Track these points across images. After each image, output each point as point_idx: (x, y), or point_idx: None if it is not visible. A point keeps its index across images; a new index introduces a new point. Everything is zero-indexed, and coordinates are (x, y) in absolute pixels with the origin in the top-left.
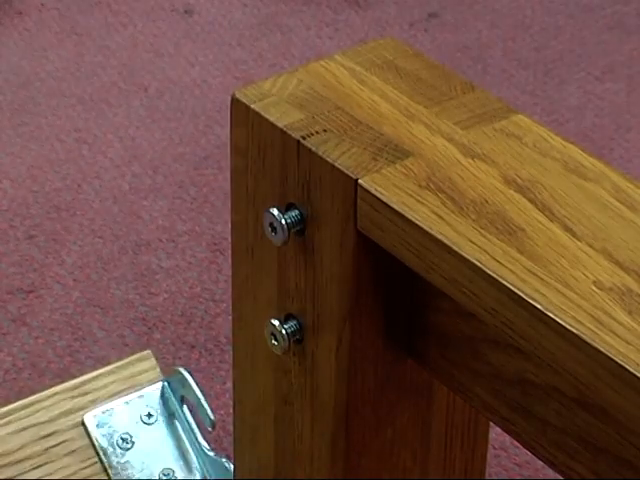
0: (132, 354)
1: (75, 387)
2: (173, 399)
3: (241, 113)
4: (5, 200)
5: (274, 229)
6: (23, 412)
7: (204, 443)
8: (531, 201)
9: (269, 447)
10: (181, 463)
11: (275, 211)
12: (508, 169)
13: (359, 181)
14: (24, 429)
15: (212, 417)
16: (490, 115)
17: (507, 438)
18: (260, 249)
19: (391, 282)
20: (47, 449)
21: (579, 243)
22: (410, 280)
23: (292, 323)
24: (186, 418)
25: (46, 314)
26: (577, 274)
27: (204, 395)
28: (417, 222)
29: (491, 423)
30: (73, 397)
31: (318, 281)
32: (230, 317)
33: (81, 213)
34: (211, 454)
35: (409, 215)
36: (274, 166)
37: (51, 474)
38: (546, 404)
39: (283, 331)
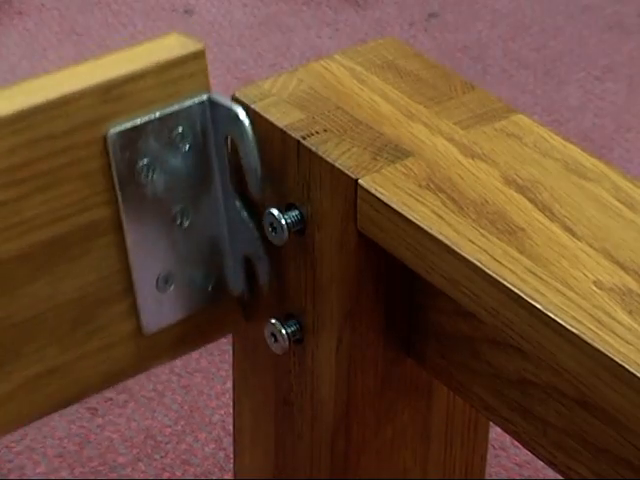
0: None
1: (107, 89)
2: (217, 126)
3: None
4: None
5: (274, 229)
6: (38, 118)
7: (237, 202)
8: (531, 201)
9: (269, 447)
10: (200, 204)
11: (275, 211)
12: (508, 169)
13: (359, 181)
14: (36, 141)
15: (259, 184)
16: (490, 115)
17: (507, 438)
18: None
19: (391, 282)
20: (57, 168)
21: (579, 243)
22: (410, 280)
23: (292, 323)
24: (223, 160)
25: None
26: (577, 274)
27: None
28: (417, 222)
29: (491, 423)
30: (103, 102)
31: (318, 281)
32: None
33: None
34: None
35: (409, 215)
36: (274, 166)
37: (55, 199)
38: (546, 404)
39: (283, 331)
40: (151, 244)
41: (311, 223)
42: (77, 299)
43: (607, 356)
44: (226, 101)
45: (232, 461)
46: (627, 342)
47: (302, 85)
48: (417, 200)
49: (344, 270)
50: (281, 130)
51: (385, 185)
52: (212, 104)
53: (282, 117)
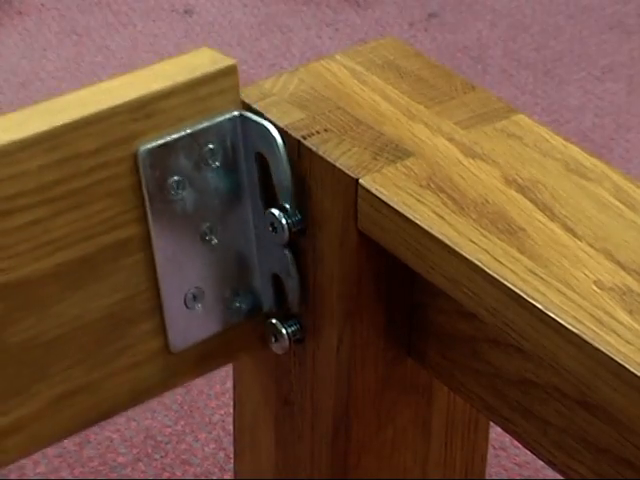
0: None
1: (137, 107)
2: (248, 142)
3: None
4: None
5: (275, 229)
6: (69, 136)
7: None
8: (532, 201)
9: (269, 447)
10: (229, 221)
11: (276, 211)
12: (509, 169)
13: (360, 181)
14: (67, 159)
15: (292, 200)
16: (491, 115)
17: (507, 438)
18: None
19: (391, 282)
20: (88, 186)
21: (580, 243)
22: (410, 280)
23: (292, 323)
24: (253, 177)
25: None
26: (578, 274)
27: (289, 168)
28: (418, 222)
29: (491, 423)
30: (134, 120)
31: (319, 281)
32: None
33: None
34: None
35: (410, 215)
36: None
37: (85, 218)
38: (547, 404)
39: (283, 331)
40: (180, 261)
41: (312, 223)
42: (105, 318)
43: (607, 356)
44: (257, 117)
45: (232, 461)
46: (627, 342)
47: (303, 85)
48: (418, 200)
49: (345, 270)
50: (282, 130)
51: (386, 185)
52: (243, 120)
53: (283, 117)
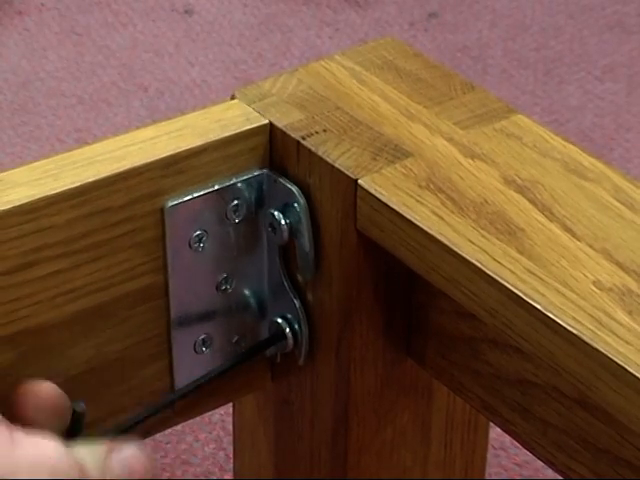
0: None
1: (169, 163)
2: (272, 201)
3: None
4: None
5: (274, 229)
6: (99, 192)
7: (287, 282)
8: (531, 201)
9: (269, 447)
10: (245, 272)
11: (275, 211)
12: (508, 169)
13: (359, 181)
14: (94, 213)
15: (311, 267)
16: (490, 115)
17: (507, 438)
18: None
19: (391, 282)
20: (112, 239)
21: (579, 243)
22: (410, 280)
23: (292, 322)
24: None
25: None
26: (577, 274)
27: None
28: (417, 222)
29: (491, 423)
30: (164, 176)
31: (318, 281)
32: None
33: None
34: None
35: (409, 215)
36: (274, 166)
37: (106, 268)
38: (546, 404)
39: (287, 330)
40: (193, 309)
41: (311, 223)
42: (115, 361)
43: (607, 356)
44: (284, 179)
45: (232, 461)
46: (627, 342)
47: (302, 85)
48: (417, 200)
49: (344, 270)
50: (281, 130)
51: (385, 185)
52: (269, 179)
53: (282, 117)
